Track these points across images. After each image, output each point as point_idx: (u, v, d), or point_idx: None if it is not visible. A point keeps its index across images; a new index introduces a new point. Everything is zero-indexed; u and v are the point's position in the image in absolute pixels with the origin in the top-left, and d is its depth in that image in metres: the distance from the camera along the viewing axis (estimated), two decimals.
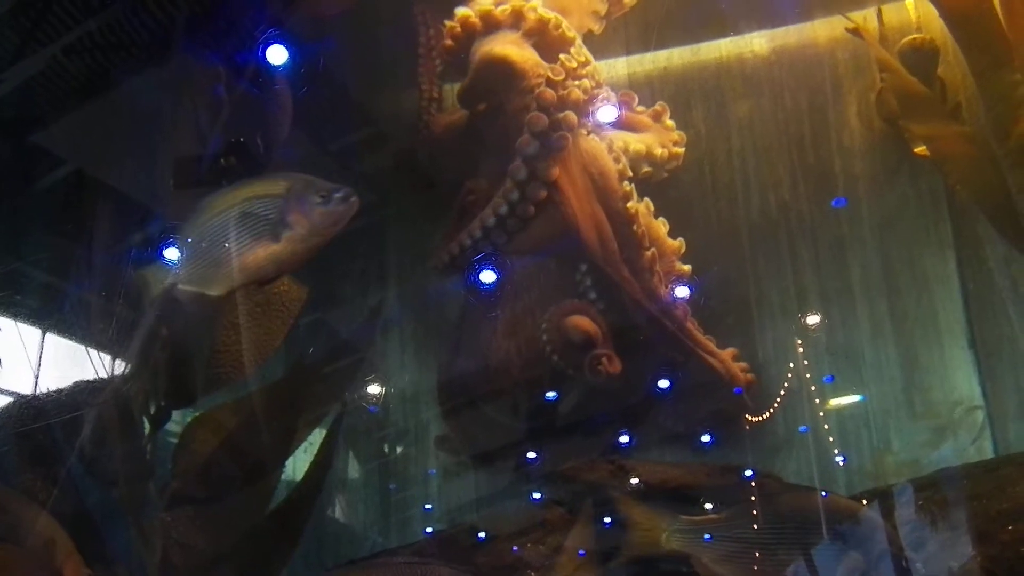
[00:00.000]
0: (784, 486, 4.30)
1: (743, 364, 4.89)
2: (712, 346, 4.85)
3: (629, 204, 4.77)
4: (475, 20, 4.85)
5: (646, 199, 5.02)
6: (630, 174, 4.87)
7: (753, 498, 3.88)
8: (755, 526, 3.77)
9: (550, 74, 4.64)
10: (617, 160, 4.83)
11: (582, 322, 4.59)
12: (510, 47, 4.77)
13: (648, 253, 4.77)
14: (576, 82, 4.70)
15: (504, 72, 4.76)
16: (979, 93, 4.24)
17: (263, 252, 3.44)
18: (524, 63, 4.74)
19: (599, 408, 4.75)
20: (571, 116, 4.61)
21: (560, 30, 4.84)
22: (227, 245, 3.45)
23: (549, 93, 4.58)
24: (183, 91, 4.42)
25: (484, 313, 4.80)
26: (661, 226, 5.03)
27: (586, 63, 4.87)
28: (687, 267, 5.01)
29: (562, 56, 4.77)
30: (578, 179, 4.70)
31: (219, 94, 4.26)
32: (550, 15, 4.83)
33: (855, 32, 4.92)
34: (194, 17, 4.50)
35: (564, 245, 4.67)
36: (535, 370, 4.65)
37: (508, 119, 4.78)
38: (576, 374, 4.58)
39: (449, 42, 5.00)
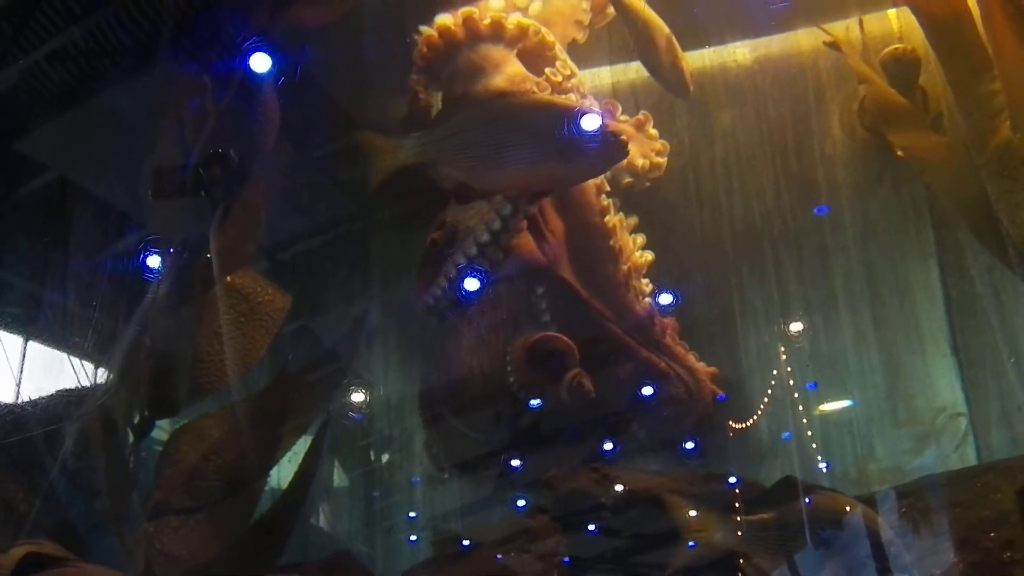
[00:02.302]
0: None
1: (714, 388, 4.91)
2: (690, 360, 4.86)
3: (606, 218, 4.79)
4: (456, 29, 4.85)
5: (619, 214, 5.03)
6: (608, 188, 4.89)
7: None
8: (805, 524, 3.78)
9: (536, 90, 4.63)
10: None
11: (547, 348, 4.61)
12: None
13: (624, 268, 4.79)
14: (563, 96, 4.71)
15: None
16: (957, 102, 4.27)
17: (550, 169, 3.72)
18: (509, 85, 4.75)
19: (571, 421, 4.76)
20: None
21: (540, 36, 4.85)
22: (516, 150, 3.66)
23: None
24: (168, 100, 4.42)
25: (453, 327, 4.80)
26: (631, 241, 5.05)
27: (571, 75, 4.89)
28: (648, 286, 5.02)
29: (548, 70, 4.78)
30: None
31: (204, 103, 4.26)
32: (528, 22, 4.84)
33: (833, 45, 4.96)
34: (179, 26, 4.50)
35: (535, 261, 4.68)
36: (498, 386, 4.65)
37: None
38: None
39: (425, 50, 4.98)
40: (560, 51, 5.00)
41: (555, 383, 4.57)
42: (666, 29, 4.96)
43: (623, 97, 5.38)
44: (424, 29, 4.97)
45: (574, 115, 3.63)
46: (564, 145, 3.68)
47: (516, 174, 3.82)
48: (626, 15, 4.99)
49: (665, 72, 5.03)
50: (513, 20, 4.83)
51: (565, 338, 4.65)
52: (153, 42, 4.57)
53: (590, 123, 3.64)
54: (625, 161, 5.00)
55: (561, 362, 4.58)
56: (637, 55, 5.11)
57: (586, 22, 5.16)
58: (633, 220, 5.11)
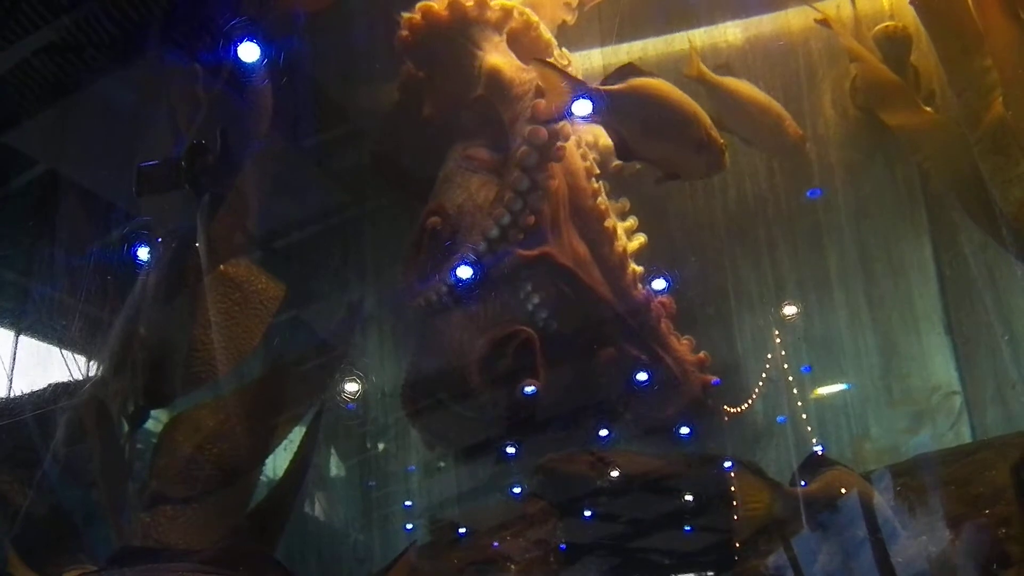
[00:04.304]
0: None
1: (705, 377, 4.90)
2: (681, 350, 4.85)
3: (599, 200, 4.78)
4: (439, 11, 4.82)
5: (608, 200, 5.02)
6: (597, 171, 4.87)
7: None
8: None
9: (539, 83, 4.59)
10: (584, 157, 4.83)
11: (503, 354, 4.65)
12: (499, 58, 4.77)
13: (619, 249, 4.78)
14: None
15: (496, 84, 4.76)
16: (949, 80, 4.26)
17: (685, 156, 4.37)
18: (511, 72, 4.73)
19: (559, 407, 4.77)
20: (567, 128, 4.60)
21: (524, 17, 4.83)
22: (672, 132, 4.31)
23: (544, 105, 4.53)
24: (158, 89, 4.40)
25: (441, 320, 4.79)
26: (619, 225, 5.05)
27: (568, 64, 4.87)
28: (640, 269, 5.00)
29: (548, 61, 4.74)
30: None
31: (195, 92, 4.24)
32: (511, 4, 4.82)
33: (824, 23, 4.94)
34: (170, 15, 4.48)
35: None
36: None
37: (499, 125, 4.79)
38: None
39: (406, 33, 4.94)
40: (551, 38, 4.97)
41: (509, 387, 4.60)
42: (776, 106, 4.98)
43: None
44: (406, 15, 4.94)
45: (710, 125, 4.36)
46: (703, 142, 4.31)
47: (663, 149, 4.39)
48: (720, 94, 5.01)
49: (777, 146, 5.09)
50: (497, 1, 4.80)
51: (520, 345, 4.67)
52: (143, 31, 4.55)
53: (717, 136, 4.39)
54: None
55: (517, 367, 4.62)
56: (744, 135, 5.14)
57: (575, 3, 5.13)
58: (624, 203, 5.10)
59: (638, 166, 5.10)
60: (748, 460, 4.71)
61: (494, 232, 4.59)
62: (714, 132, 4.34)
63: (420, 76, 5.16)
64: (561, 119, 4.43)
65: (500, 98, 4.73)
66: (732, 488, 4.17)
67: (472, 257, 4.60)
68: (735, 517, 4.11)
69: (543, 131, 4.51)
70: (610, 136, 4.49)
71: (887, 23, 5.00)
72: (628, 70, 4.26)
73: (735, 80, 4.99)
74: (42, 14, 4.42)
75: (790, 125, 4.95)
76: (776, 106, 4.96)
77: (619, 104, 4.21)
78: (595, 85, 4.22)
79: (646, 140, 4.31)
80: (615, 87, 4.19)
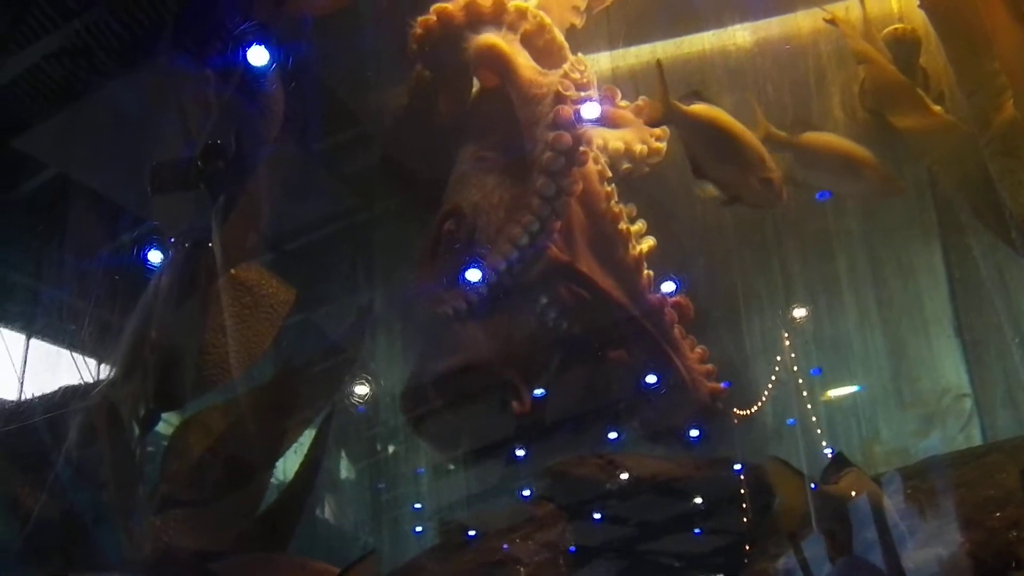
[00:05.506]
0: None
1: (713, 386, 4.89)
2: (691, 359, 4.84)
3: (612, 203, 4.78)
4: (455, 12, 4.83)
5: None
6: (609, 174, 4.87)
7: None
8: None
9: (560, 88, 4.60)
10: (596, 160, 4.82)
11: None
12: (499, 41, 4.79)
13: (635, 252, 4.78)
14: (584, 92, 4.68)
15: (497, 62, 4.77)
16: (958, 82, 4.25)
17: (747, 181, 4.66)
18: (530, 74, 4.73)
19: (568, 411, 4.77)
20: (588, 132, 4.61)
21: (538, 19, 4.85)
22: (739, 160, 4.64)
23: (566, 111, 4.53)
24: (170, 94, 4.42)
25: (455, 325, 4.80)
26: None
27: (585, 69, 4.87)
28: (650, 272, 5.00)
29: (565, 67, 4.74)
30: None
31: (206, 96, 4.26)
32: (525, 5, 4.84)
33: (833, 23, 4.93)
34: (180, 20, 4.49)
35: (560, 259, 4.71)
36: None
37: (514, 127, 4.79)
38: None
39: (420, 32, 4.96)
40: (564, 42, 4.98)
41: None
42: (856, 152, 4.93)
43: (622, 83, 5.35)
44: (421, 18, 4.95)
45: (768, 158, 4.67)
46: (768, 175, 4.60)
47: (728, 172, 4.69)
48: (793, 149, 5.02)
49: (862, 192, 5.06)
50: (513, 3, 4.81)
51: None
52: (153, 36, 4.57)
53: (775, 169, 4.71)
54: (623, 147, 5.00)
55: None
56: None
57: (583, 7, 5.14)
58: (631, 208, 5.08)
59: (646, 168, 5.11)
60: (756, 463, 4.70)
61: (524, 240, 4.56)
62: (772, 164, 4.55)
63: (430, 79, 5.17)
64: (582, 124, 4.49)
65: (513, 95, 4.75)
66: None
67: (504, 266, 4.58)
68: (776, 511, 4.11)
69: (568, 136, 4.49)
70: (688, 153, 4.74)
71: (896, 25, 5.00)
72: (695, 95, 4.58)
73: (811, 134, 4.95)
74: (52, 18, 4.44)
75: (873, 170, 4.87)
76: (856, 152, 4.90)
77: (691, 125, 4.52)
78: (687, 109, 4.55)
79: (710, 162, 4.63)
80: (692, 108, 4.53)
